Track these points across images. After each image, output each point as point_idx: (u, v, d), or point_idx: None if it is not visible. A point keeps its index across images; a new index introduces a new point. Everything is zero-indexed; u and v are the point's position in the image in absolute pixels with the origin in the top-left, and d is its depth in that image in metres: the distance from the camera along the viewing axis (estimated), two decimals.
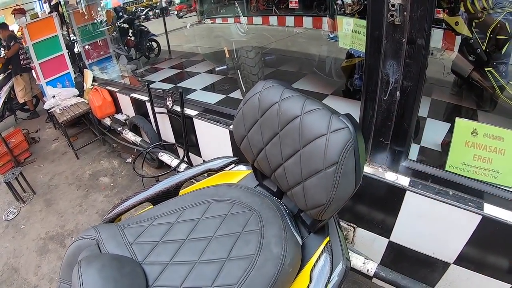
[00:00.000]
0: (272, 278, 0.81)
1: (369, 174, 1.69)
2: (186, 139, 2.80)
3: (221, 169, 1.24)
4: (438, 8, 2.40)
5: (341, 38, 2.01)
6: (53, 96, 4.11)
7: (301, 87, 3.30)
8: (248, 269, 0.83)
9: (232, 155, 1.47)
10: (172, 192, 1.23)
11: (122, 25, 5.19)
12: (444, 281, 1.75)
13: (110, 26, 5.10)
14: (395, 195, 1.65)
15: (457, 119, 1.58)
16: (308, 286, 0.86)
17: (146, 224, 1.05)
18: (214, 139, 2.57)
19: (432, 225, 1.61)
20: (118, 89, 3.75)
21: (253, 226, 0.93)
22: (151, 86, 2.93)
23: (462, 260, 1.60)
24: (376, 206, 1.81)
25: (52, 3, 4.46)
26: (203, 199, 1.07)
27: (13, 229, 3.11)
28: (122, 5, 5.67)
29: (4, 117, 5.58)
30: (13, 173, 3.39)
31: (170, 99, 2.77)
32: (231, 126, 2.33)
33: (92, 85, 4.15)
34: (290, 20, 6.59)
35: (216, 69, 3.34)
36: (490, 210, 1.42)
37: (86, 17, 4.83)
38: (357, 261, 1.77)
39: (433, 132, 2.21)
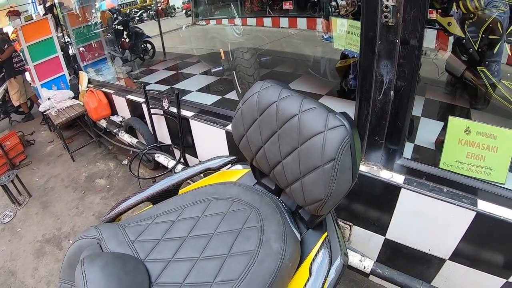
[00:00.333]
0: (272, 273, 0.83)
1: (364, 172, 1.72)
2: (183, 140, 2.81)
3: (220, 168, 1.26)
4: (431, 9, 2.44)
5: (335, 39, 2.03)
6: (48, 98, 4.09)
7: (296, 87, 3.32)
8: (249, 264, 0.85)
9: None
10: (171, 192, 1.25)
11: (116, 27, 5.19)
12: (440, 277, 1.77)
13: (105, 28, 5.09)
14: (390, 193, 1.67)
15: (450, 118, 1.61)
16: (307, 280, 0.88)
17: (147, 222, 1.06)
18: (210, 140, 2.58)
19: (427, 222, 1.64)
20: (113, 91, 3.75)
21: (253, 222, 0.95)
22: (147, 87, 2.94)
23: (457, 256, 1.63)
24: (372, 204, 1.83)
25: (47, 5, 4.44)
26: (203, 197, 1.09)
27: (10, 232, 3.09)
28: (116, 7, 5.66)
29: None
30: (8, 176, 3.38)
31: (166, 100, 2.78)
32: (228, 127, 2.35)
33: (87, 87, 4.14)
34: (284, 22, 6.61)
35: (212, 70, 3.35)
36: (484, 206, 1.45)
37: (80, 19, 4.82)
38: (353, 259, 1.78)
39: (427, 131, 2.23)
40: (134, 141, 3.45)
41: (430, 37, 3.27)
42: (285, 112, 0.87)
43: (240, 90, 3.12)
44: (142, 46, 5.55)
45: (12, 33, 5.47)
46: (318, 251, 0.93)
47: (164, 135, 3.17)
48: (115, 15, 5.32)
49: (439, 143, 2.01)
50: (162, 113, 2.94)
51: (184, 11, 9.05)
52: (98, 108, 3.79)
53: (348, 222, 1.98)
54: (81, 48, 4.80)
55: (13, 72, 5.08)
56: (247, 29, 6.28)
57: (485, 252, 1.55)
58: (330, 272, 0.90)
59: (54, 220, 3.14)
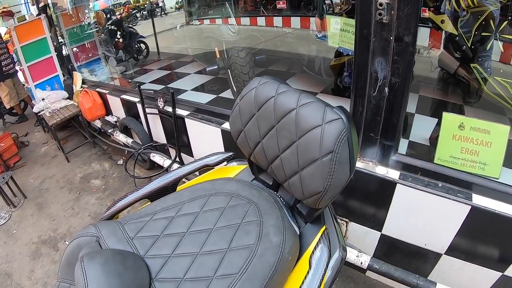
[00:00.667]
0: (272, 266, 0.84)
1: (360, 168, 1.73)
2: (178, 139, 2.81)
3: (217, 164, 1.27)
4: (424, 7, 2.46)
5: (330, 37, 2.04)
6: (42, 99, 4.07)
7: (291, 85, 3.32)
8: (249, 258, 0.86)
9: None
10: (169, 189, 1.25)
11: (110, 27, 5.17)
12: (436, 272, 1.79)
13: (99, 28, 5.07)
14: (386, 188, 1.69)
15: (445, 114, 1.63)
16: (307, 272, 0.89)
17: (145, 219, 1.06)
18: (206, 139, 2.59)
19: (423, 217, 1.66)
20: (108, 91, 3.74)
21: (252, 217, 0.95)
22: (142, 87, 2.94)
23: (453, 250, 1.65)
24: (368, 200, 1.85)
25: (40, 5, 4.41)
26: (201, 193, 1.09)
27: (5, 234, 3.07)
28: (110, 7, 5.64)
29: None
30: (3, 178, 3.35)
31: (161, 99, 2.78)
32: (223, 125, 2.36)
33: (81, 87, 4.12)
34: (278, 21, 6.62)
35: (207, 69, 3.36)
36: (479, 200, 1.47)
37: (74, 19, 4.80)
38: (350, 255, 1.80)
39: (421, 127, 2.25)
40: (129, 141, 3.44)
41: (423, 35, 3.30)
42: (283, 106, 0.88)
43: (235, 89, 3.13)
44: (136, 46, 5.53)
45: (5, 34, 5.41)
46: (317, 245, 0.94)
47: (159, 135, 3.17)
48: (108, 15, 5.30)
49: (434, 139, 2.03)
50: (157, 112, 2.94)
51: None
52: (92, 108, 3.77)
53: (344, 219, 1.99)
54: (74, 49, 4.78)
55: (1, 76, 4.95)
56: (241, 28, 6.25)
57: (480, 246, 1.57)
58: (329, 264, 0.91)
59: (50, 221, 3.12)
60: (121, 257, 0.91)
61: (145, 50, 5.73)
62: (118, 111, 3.70)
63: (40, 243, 2.87)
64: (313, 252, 0.93)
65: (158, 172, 3.04)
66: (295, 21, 6.36)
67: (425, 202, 1.59)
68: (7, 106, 5.26)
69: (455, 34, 2.19)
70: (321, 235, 0.96)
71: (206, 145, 2.66)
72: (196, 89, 3.78)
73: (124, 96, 3.43)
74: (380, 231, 1.87)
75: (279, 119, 0.88)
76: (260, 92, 0.93)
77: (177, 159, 2.89)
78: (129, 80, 4.52)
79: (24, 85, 5.21)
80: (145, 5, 8.79)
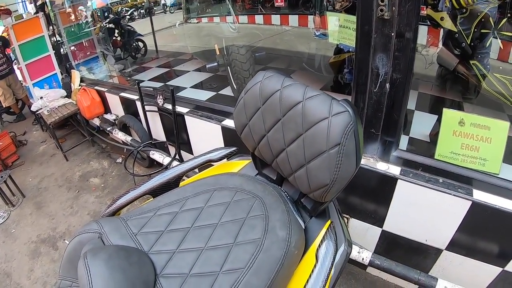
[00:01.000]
0: (279, 260, 0.84)
1: (361, 164, 1.72)
2: (178, 136, 2.80)
3: (221, 159, 1.26)
4: (422, 5, 2.46)
5: (331, 34, 2.05)
6: (41, 98, 4.05)
7: None
8: (256, 252, 0.85)
9: None
10: (172, 185, 1.24)
11: (108, 25, 5.15)
12: (437, 267, 1.80)
13: (96, 26, 5.06)
14: (387, 184, 1.69)
15: (445, 110, 1.64)
16: (314, 266, 0.89)
17: (149, 215, 1.05)
18: (206, 136, 2.58)
19: (424, 212, 1.66)
20: (106, 89, 3.72)
21: (257, 211, 0.95)
22: (141, 85, 2.93)
23: (454, 246, 1.65)
24: (369, 196, 1.85)
25: (38, 3, 4.39)
26: (205, 188, 1.08)
27: (3, 233, 3.06)
28: (107, 5, 5.62)
29: None
30: (1, 177, 3.33)
31: (160, 97, 2.77)
32: (223, 122, 2.35)
33: (79, 85, 4.10)
34: (276, 19, 6.62)
35: (207, 66, 3.35)
36: (479, 195, 1.47)
37: (72, 17, 4.78)
38: (352, 251, 1.79)
39: (421, 124, 2.26)
40: (128, 138, 3.43)
41: (421, 32, 3.30)
42: (289, 99, 0.87)
43: (235, 86, 3.13)
44: (134, 44, 5.52)
45: (3, 32, 5.37)
46: (323, 238, 0.94)
47: (158, 132, 3.16)
48: (106, 14, 5.30)
49: (434, 135, 2.04)
50: (157, 110, 2.93)
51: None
52: (91, 106, 3.76)
53: (345, 215, 1.99)
54: (72, 47, 4.76)
55: None
56: (240, 26, 6.26)
57: (481, 241, 1.58)
58: (336, 258, 0.91)
59: (49, 220, 3.11)
60: (125, 253, 0.90)
61: (143, 48, 5.71)
62: (117, 109, 3.68)
63: (39, 242, 2.86)
64: (319, 246, 0.93)
65: (157, 170, 3.03)
66: (293, 19, 6.36)
67: (426, 197, 1.59)
68: (4, 105, 5.23)
69: (454, 31, 2.19)
70: (327, 229, 0.96)
71: (206, 142, 2.66)
72: (195, 86, 3.78)
73: (123, 94, 3.42)
74: (381, 227, 1.88)
75: (285, 112, 0.88)
76: (266, 85, 0.93)
77: (177, 156, 2.88)
78: (128, 78, 4.51)
79: (22, 83, 5.18)
80: (143, 3, 8.77)
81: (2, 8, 4.81)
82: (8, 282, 2.53)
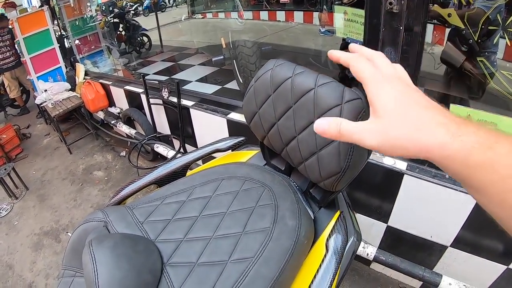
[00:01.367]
0: (289, 250, 0.82)
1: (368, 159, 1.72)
2: (183, 130, 2.80)
3: (229, 148, 1.24)
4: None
5: (338, 28, 2.03)
6: (45, 91, 4.05)
7: None
8: (265, 241, 0.84)
9: None
10: (179, 174, 1.23)
11: (113, 20, 5.16)
12: (441, 264, 1.79)
13: (101, 21, 5.06)
14: (393, 179, 1.68)
15: (452, 106, 1.62)
16: (324, 256, 0.88)
17: (156, 203, 1.04)
18: (211, 129, 2.58)
19: (430, 208, 1.65)
20: (111, 82, 3.72)
21: (266, 200, 0.94)
22: (146, 78, 2.93)
23: (459, 242, 1.64)
24: (374, 191, 1.84)
25: None
26: (213, 177, 1.07)
27: (6, 225, 3.07)
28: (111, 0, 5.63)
29: None
30: (5, 169, 3.35)
31: (166, 90, 2.77)
32: (229, 115, 2.35)
33: (84, 79, 4.11)
34: (281, 15, 6.60)
35: (213, 59, 3.35)
36: None
37: (76, 11, 4.78)
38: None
39: None
40: (132, 132, 3.43)
41: (427, 30, 3.28)
42: (301, 86, 0.86)
43: (241, 80, 3.12)
44: (139, 39, 5.52)
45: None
46: (333, 229, 0.93)
47: (163, 125, 3.16)
48: (110, 8, 5.30)
49: None
50: (162, 103, 2.92)
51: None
52: (95, 99, 3.76)
53: None
54: (77, 41, 4.76)
55: None
56: (246, 22, 6.26)
57: (486, 238, 1.57)
58: (346, 248, 0.90)
59: (52, 212, 3.12)
60: (131, 241, 0.89)
61: (148, 43, 5.71)
62: (121, 102, 3.68)
63: (42, 235, 2.87)
64: (329, 236, 0.92)
65: (161, 163, 3.03)
66: (298, 16, 6.33)
67: (432, 193, 1.57)
68: (11, 96, 5.25)
69: (461, 28, 2.17)
70: (337, 220, 0.95)
71: (211, 136, 2.64)
72: (200, 80, 3.78)
73: (127, 87, 3.42)
74: (386, 222, 1.87)
75: (297, 99, 0.86)
76: (277, 73, 0.91)
77: (181, 150, 2.88)
78: (133, 72, 4.51)
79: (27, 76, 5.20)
80: None
81: (8, 1, 4.81)
82: (11, 274, 2.54)
